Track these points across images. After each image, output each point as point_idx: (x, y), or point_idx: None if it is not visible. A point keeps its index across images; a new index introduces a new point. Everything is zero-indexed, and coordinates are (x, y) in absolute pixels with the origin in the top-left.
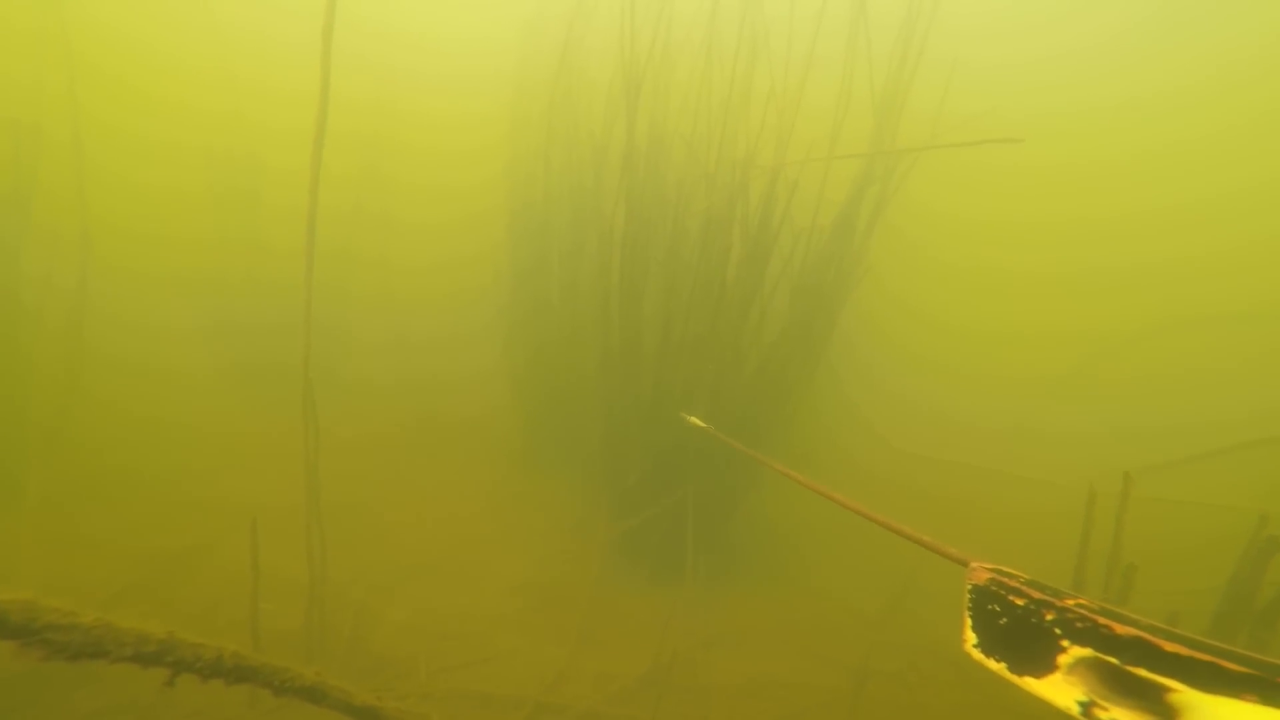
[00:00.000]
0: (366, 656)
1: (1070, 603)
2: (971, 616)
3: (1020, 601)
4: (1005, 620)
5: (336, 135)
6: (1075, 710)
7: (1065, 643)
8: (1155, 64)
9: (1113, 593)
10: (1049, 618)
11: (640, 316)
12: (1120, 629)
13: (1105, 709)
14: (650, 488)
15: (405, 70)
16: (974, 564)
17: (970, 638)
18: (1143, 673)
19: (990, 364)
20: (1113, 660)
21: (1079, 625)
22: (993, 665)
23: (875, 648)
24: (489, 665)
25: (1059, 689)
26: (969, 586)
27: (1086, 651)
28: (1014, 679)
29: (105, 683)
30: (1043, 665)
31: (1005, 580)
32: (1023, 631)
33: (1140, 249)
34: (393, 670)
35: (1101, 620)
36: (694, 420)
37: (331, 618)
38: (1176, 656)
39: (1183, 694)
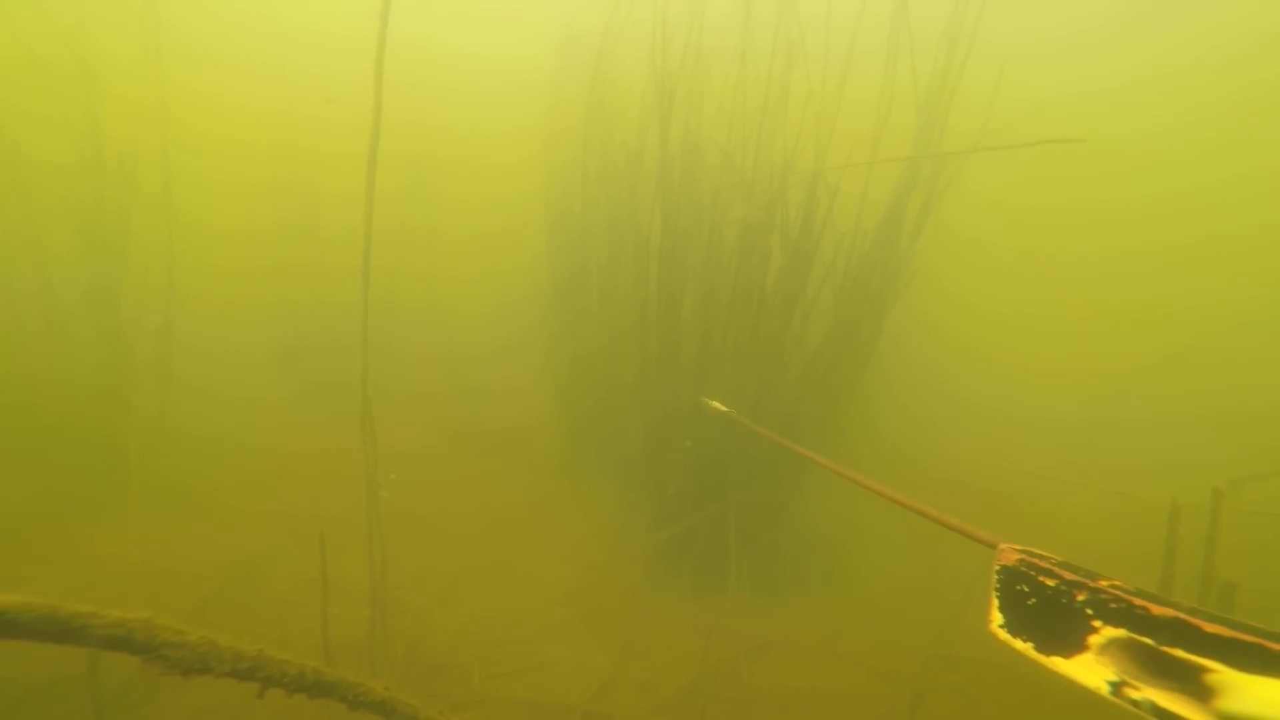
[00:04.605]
0: (423, 663)
1: (1104, 584)
2: (999, 597)
3: (1051, 582)
4: (1034, 600)
5: (384, 157)
6: (1105, 690)
7: (1097, 623)
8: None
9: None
10: (1080, 598)
11: (678, 325)
12: (1157, 610)
13: (1137, 689)
14: (692, 495)
15: (445, 89)
16: (1003, 545)
17: (996, 618)
18: (1180, 653)
19: (1060, 356)
20: (1148, 641)
21: (1112, 606)
22: (1019, 645)
23: (933, 660)
24: (537, 672)
25: (1088, 669)
26: (997, 567)
27: (1120, 632)
28: (1040, 659)
29: (204, 685)
30: (1072, 645)
31: (1035, 561)
32: (1052, 612)
33: (1228, 221)
34: (448, 676)
35: (1137, 601)
36: (716, 405)
37: (391, 624)
38: (1217, 637)
39: (1222, 674)
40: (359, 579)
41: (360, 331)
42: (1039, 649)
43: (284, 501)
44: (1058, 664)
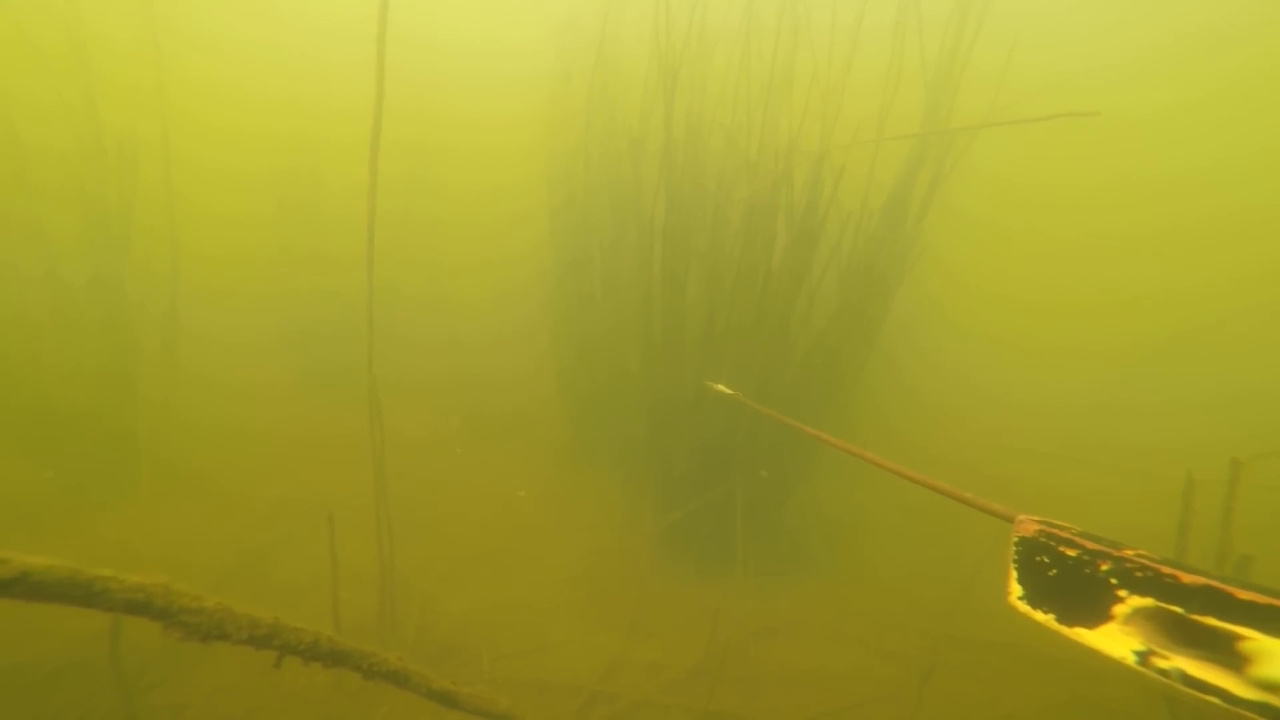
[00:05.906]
0: (433, 645)
1: (1129, 553)
2: (1018, 568)
3: (1072, 552)
4: (1055, 571)
5: (387, 143)
6: (1131, 660)
7: (1122, 593)
8: None
9: None
10: (1104, 568)
11: (683, 308)
12: (1187, 578)
13: (1165, 658)
14: (698, 478)
15: (447, 76)
16: (1021, 517)
17: (1015, 589)
18: (1211, 621)
19: (1068, 337)
20: (1177, 609)
21: (1139, 575)
22: (1039, 617)
23: (941, 641)
24: (545, 654)
25: (1113, 639)
26: (1015, 539)
27: (1147, 601)
28: (1063, 630)
29: (219, 665)
30: (1096, 616)
31: (1055, 532)
32: (1074, 582)
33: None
34: (458, 658)
35: (1165, 570)
36: (720, 388)
37: (400, 607)
38: (1252, 604)
39: (1257, 641)
40: (368, 564)
41: (365, 318)
42: (1060, 620)
43: (291, 487)
44: (1081, 635)
